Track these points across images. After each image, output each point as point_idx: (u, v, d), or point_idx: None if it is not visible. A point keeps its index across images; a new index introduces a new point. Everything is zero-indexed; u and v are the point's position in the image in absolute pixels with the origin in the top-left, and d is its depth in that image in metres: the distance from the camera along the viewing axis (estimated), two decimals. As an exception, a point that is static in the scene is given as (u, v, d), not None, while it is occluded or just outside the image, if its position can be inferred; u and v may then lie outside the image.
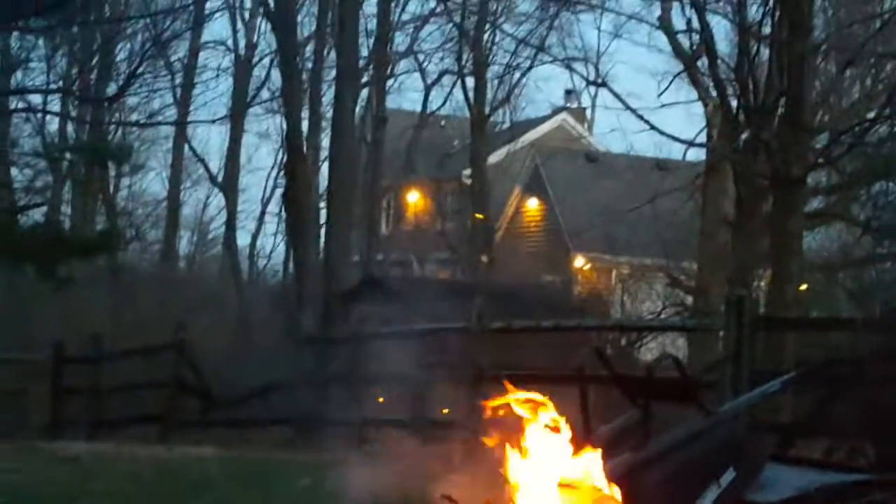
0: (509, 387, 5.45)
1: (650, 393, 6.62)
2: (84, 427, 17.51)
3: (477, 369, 12.29)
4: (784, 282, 15.49)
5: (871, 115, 18.77)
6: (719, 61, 18.28)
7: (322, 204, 27.98)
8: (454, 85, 32.59)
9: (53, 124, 32.41)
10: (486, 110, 31.07)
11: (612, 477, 5.69)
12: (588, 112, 44.60)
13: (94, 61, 27.81)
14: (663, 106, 19.53)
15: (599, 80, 22.66)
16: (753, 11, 18.46)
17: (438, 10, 31.91)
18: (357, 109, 27.76)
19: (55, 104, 31.01)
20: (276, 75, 31.54)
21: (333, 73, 25.06)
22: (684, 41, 19.11)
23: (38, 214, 27.04)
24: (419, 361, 13.38)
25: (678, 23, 20.52)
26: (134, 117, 33.60)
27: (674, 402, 7.39)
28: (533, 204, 38.81)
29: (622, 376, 7.75)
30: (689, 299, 23.05)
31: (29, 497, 8.71)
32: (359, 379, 14.93)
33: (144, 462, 11.37)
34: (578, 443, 6.03)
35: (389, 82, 32.64)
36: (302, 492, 9.78)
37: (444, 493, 4.92)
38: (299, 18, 27.58)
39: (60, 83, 28.13)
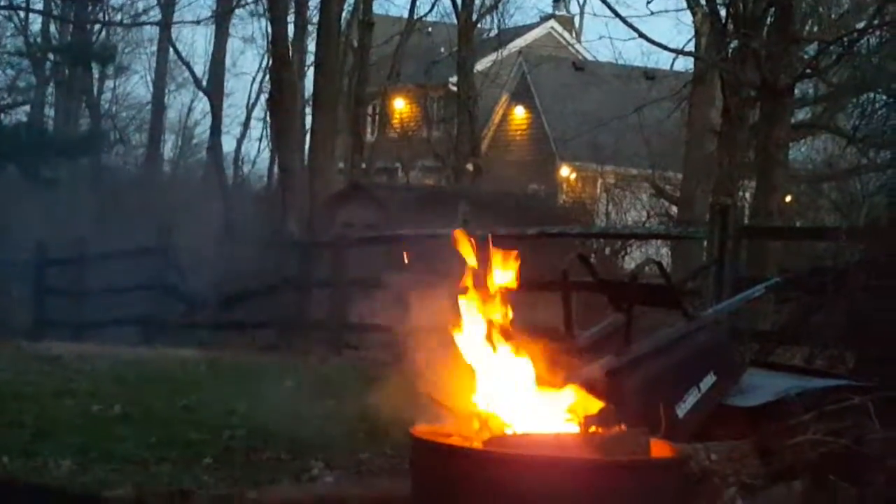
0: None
1: (633, 298, 6.63)
2: (67, 328, 17.57)
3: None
4: (769, 192, 15.49)
5: (861, 25, 18.65)
6: (709, -32, 18.10)
7: (307, 109, 27.80)
8: (442, -10, 32.28)
9: (36, 24, 32.11)
10: (474, 17, 30.78)
11: (594, 380, 5.71)
12: (576, 20, 44.38)
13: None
14: (652, 14, 19.38)
15: (588, -13, 22.38)
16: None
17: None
18: (343, 14, 27.48)
19: (38, 3, 30.72)
20: (261, -23, 31.19)
21: (320, -24, 24.74)
22: (674, -53, 18.89)
23: (20, 114, 26.90)
24: (402, 267, 13.38)
25: (669, -71, 20.31)
26: (118, 18, 33.29)
27: (657, 307, 7.42)
28: (519, 112, 38.68)
29: (606, 281, 7.77)
30: (674, 209, 23.11)
31: (11, 395, 8.74)
32: (342, 283, 14.95)
33: (128, 362, 11.41)
34: (559, 347, 6.06)
35: (377, -13, 32.33)
36: (285, 392, 9.83)
37: (431, 395, 4.93)
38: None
39: (43, -19, 27.82)
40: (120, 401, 8.62)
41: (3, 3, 24.90)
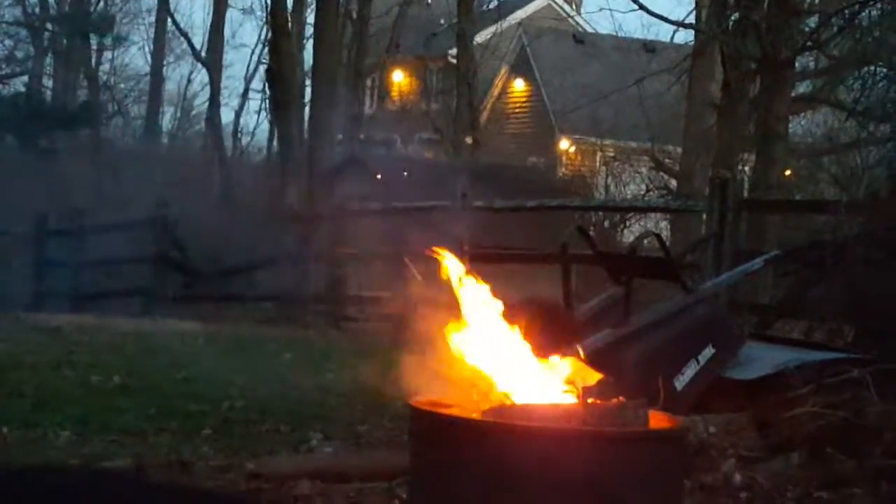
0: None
1: (632, 271, 6.63)
2: (66, 300, 17.54)
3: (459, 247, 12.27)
4: (769, 165, 15.47)
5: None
6: (711, -60, 18.04)
7: (306, 81, 27.72)
8: (441, -39, 32.12)
9: (35, -7, 31.97)
10: (474, -12, 30.63)
11: (593, 352, 5.71)
12: (576, -8, 44.17)
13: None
14: (653, -14, 19.27)
15: (589, -41, 22.30)
16: None
17: None
18: (343, -15, 27.34)
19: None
20: (260, -52, 31.07)
21: (319, -54, 24.58)
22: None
23: (18, 85, 26.82)
24: (401, 239, 13.38)
25: None
26: (116, -12, 33.20)
27: (656, 280, 7.42)
28: (519, 85, 38.57)
29: (605, 254, 7.77)
30: (674, 182, 23.06)
31: (11, 366, 8.74)
32: (341, 256, 14.94)
33: (127, 334, 11.42)
34: (559, 320, 6.05)
35: (376, -42, 32.13)
36: (283, 364, 9.84)
37: (430, 366, 4.92)
38: None
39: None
40: (119, 372, 8.63)
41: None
